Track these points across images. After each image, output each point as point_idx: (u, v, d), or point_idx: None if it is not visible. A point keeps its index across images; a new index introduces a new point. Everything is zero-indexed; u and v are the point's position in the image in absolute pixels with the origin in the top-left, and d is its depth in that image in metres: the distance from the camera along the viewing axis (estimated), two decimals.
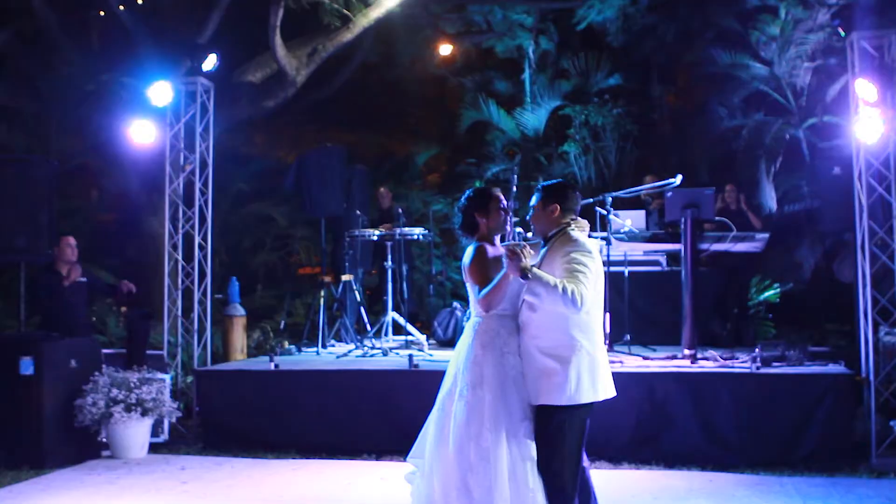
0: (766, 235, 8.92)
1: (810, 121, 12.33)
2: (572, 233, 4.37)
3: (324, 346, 9.67)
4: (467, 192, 4.67)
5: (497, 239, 4.59)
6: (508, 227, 4.66)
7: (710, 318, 9.23)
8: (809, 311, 10.48)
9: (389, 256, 9.62)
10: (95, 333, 9.89)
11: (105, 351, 8.37)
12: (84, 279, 8.37)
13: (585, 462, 4.48)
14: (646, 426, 7.15)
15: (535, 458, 4.26)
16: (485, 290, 4.30)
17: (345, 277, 10.21)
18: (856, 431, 7.09)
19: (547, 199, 4.48)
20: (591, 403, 4.32)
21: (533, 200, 4.53)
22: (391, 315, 9.53)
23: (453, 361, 4.49)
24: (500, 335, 4.36)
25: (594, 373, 4.29)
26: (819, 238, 11.01)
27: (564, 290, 4.09)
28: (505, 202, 4.61)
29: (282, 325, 9.92)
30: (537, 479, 4.24)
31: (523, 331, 4.36)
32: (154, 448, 7.90)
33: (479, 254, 4.42)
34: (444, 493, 4.28)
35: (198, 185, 8.85)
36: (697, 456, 7.02)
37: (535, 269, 4.16)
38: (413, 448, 4.55)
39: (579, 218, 4.51)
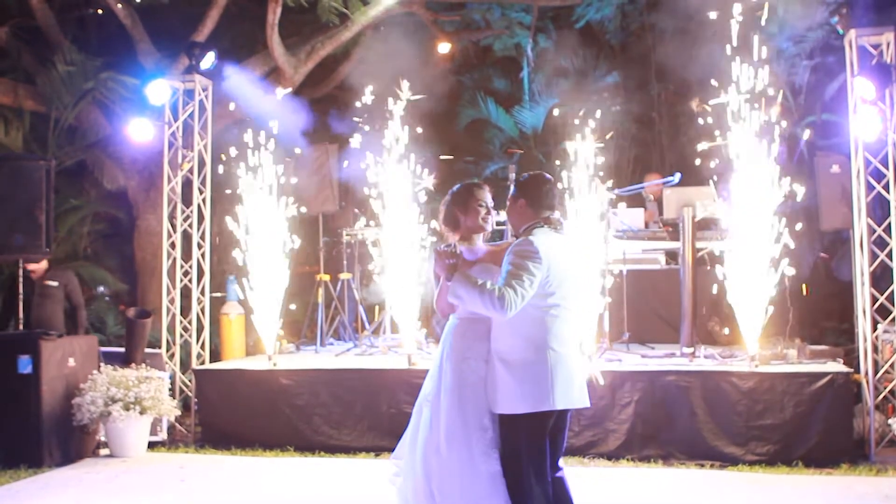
0: None
1: (809, 119, 12.32)
2: (536, 231, 4.14)
3: (322, 345, 9.68)
4: (454, 187, 4.48)
5: (479, 238, 4.41)
6: (489, 227, 4.41)
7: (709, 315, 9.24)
8: (808, 308, 10.48)
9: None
10: (93, 332, 9.89)
11: (103, 349, 8.36)
12: (55, 283, 8.36)
13: (560, 472, 4.28)
14: (644, 424, 7.15)
15: (494, 470, 4.07)
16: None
17: (343, 276, 10.21)
18: (854, 429, 7.10)
19: (517, 193, 4.29)
20: (550, 412, 4.04)
21: (509, 192, 4.36)
22: (389, 313, 9.52)
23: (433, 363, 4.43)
24: (464, 338, 4.20)
25: (551, 381, 4.00)
26: (818, 236, 11.01)
27: (485, 291, 3.89)
28: (489, 202, 4.39)
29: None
30: (496, 491, 4.06)
31: (491, 334, 4.16)
32: (152, 446, 7.91)
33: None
34: (415, 497, 4.24)
35: (196, 184, 8.84)
36: (696, 454, 7.03)
37: (459, 272, 4.00)
38: (396, 448, 4.51)
39: (555, 216, 4.26)
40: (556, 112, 13.72)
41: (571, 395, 4.10)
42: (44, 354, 7.27)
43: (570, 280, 4.16)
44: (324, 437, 7.70)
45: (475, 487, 4.06)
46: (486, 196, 4.41)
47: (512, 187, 4.36)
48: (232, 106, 9.70)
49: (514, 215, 4.31)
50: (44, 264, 8.40)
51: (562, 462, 4.35)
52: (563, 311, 4.12)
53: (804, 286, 8.25)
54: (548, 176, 4.36)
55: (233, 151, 8.23)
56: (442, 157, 8.37)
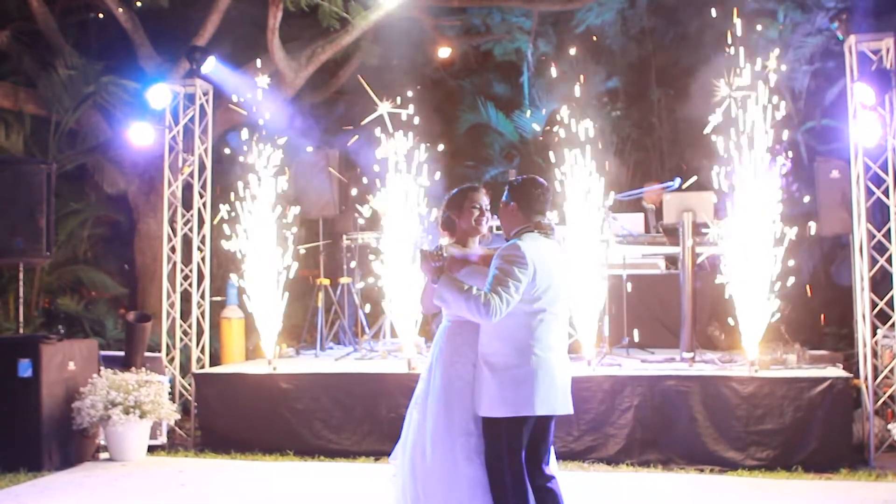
0: None
1: (809, 124, 12.33)
2: (525, 236, 4.15)
3: (322, 349, 9.68)
4: (451, 192, 4.51)
5: (476, 241, 4.43)
6: (484, 229, 4.43)
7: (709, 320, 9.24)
8: (808, 313, 10.48)
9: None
10: (93, 336, 9.89)
11: (103, 353, 8.35)
12: None
13: (553, 471, 4.27)
14: (644, 429, 7.16)
15: (474, 475, 4.09)
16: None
17: (343, 280, 10.21)
18: (854, 434, 7.10)
19: (509, 197, 4.29)
20: (528, 417, 4.03)
21: (503, 196, 4.36)
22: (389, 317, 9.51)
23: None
24: (453, 342, 4.23)
25: (533, 386, 4.01)
26: (817, 241, 11.02)
27: (471, 297, 3.90)
28: (483, 204, 4.39)
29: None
30: (475, 496, 4.08)
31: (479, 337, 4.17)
32: (152, 450, 7.91)
33: None
34: (403, 499, 4.28)
35: (196, 188, 8.85)
36: (696, 458, 7.04)
37: (445, 275, 4.01)
38: (393, 450, 4.52)
39: (546, 221, 4.26)
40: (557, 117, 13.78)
41: (554, 401, 4.10)
42: (44, 358, 7.27)
43: (556, 285, 4.16)
44: (323, 441, 7.70)
45: (456, 492, 4.09)
46: (481, 198, 4.41)
47: (505, 191, 4.36)
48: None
49: (505, 219, 4.32)
50: None
51: (555, 470, 4.33)
52: (549, 315, 4.12)
53: (808, 287, 8.21)
54: (540, 180, 4.36)
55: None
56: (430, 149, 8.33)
